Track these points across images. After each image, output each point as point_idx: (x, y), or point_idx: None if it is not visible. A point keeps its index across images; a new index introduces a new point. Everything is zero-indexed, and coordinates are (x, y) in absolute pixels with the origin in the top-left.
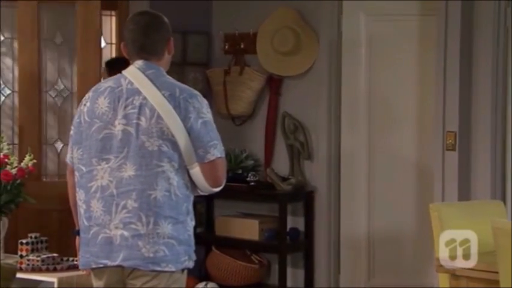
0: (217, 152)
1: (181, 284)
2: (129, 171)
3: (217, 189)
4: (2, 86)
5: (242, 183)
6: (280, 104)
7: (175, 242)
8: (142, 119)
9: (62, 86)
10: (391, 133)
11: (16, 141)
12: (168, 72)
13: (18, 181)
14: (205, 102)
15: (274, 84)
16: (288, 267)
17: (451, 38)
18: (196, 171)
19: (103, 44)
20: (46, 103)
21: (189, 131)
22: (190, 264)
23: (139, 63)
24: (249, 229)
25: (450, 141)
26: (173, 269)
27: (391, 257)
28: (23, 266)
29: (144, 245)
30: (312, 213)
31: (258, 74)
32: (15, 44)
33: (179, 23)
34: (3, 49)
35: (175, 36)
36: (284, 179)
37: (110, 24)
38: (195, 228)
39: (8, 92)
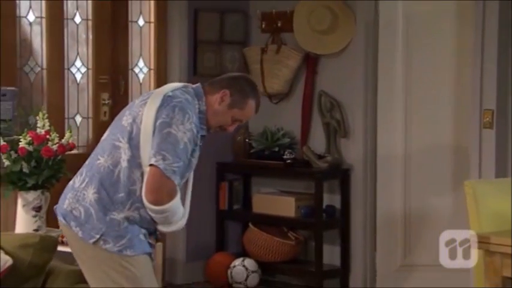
0: (161, 162)
1: (91, 257)
2: (105, 135)
3: (148, 205)
4: (34, 63)
5: (278, 161)
6: (317, 83)
7: (94, 213)
8: (140, 99)
9: (80, 64)
10: (427, 112)
11: None
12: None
13: (60, 157)
14: (190, 126)
15: (310, 62)
16: (324, 244)
17: (489, 16)
18: (145, 174)
19: (142, 22)
20: (68, 79)
21: (155, 130)
22: (105, 245)
23: (196, 84)
24: (285, 206)
25: (487, 119)
26: (79, 235)
27: (427, 235)
28: (64, 239)
29: (70, 197)
30: (348, 191)
31: (295, 53)
32: (44, 23)
33: (217, 2)
34: (34, 27)
35: (213, 15)
36: (320, 157)
37: (148, 2)
38: (231, 204)
39: (38, 69)
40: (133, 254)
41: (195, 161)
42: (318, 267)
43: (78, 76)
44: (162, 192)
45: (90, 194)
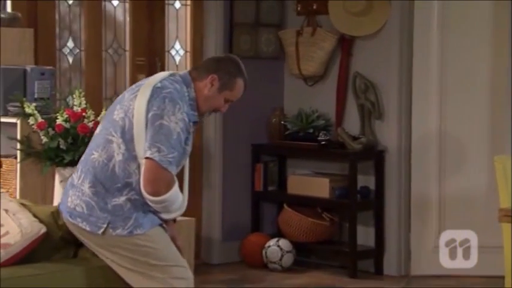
0: (156, 154)
1: (106, 247)
2: (98, 130)
3: (147, 196)
4: (72, 45)
5: (313, 142)
6: (352, 64)
7: (95, 205)
8: (129, 92)
9: (117, 45)
10: (463, 93)
11: None
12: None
13: None
14: (181, 115)
15: (345, 44)
16: (359, 225)
17: None
18: (142, 166)
19: (178, 5)
20: (106, 61)
21: (148, 123)
22: (115, 232)
23: (184, 71)
24: (319, 187)
25: None
26: (87, 228)
27: (462, 216)
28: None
29: (71, 195)
30: (383, 172)
31: (330, 35)
32: (82, 6)
33: None
34: (73, 10)
35: None
36: (354, 138)
37: None
38: (266, 186)
39: (77, 50)
40: (144, 231)
41: (189, 149)
42: (352, 248)
43: (116, 58)
44: (160, 184)
45: (87, 189)
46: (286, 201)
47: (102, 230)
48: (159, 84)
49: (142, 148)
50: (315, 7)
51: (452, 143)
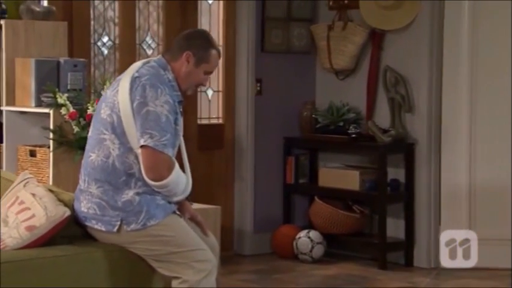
0: (150, 141)
1: (124, 243)
2: (90, 133)
3: (152, 182)
4: (107, 39)
5: (343, 135)
6: (382, 58)
7: (106, 204)
8: (110, 89)
9: (151, 40)
10: (493, 86)
11: None
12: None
13: None
14: (165, 98)
15: (376, 38)
16: (389, 217)
17: None
18: (139, 155)
19: (211, 0)
20: (139, 54)
21: (134, 113)
22: (129, 227)
23: (157, 56)
24: (350, 180)
25: None
26: (103, 229)
27: (492, 208)
28: None
29: (82, 200)
30: (413, 165)
31: (361, 29)
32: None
33: None
34: (107, 5)
35: None
36: (385, 131)
37: None
38: (297, 178)
39: (111, 43)
40: (158, 221)
41: (180, 129)
42: (382, 240)
43: (149, 52)
44: (160, 167)
45: (95, 190)
46: (317, 193)
47: (116, 228)
48: (136, 74)
49: (136, 138)
50: (346, 2)
51: (482, 135)
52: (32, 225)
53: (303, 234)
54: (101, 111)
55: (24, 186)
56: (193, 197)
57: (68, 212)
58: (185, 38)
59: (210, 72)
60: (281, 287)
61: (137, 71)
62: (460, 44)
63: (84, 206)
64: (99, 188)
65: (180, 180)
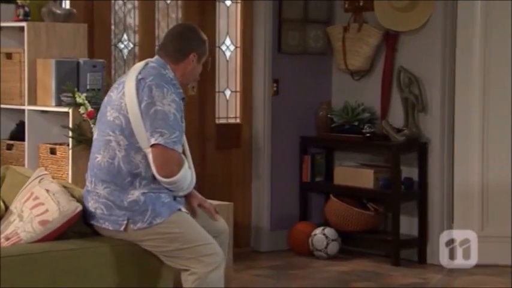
0: (161, 139)
1: (132, 242)
2: (95, 135)
3: (163, 179)
4: (127, 41)
5: (358, 135)
6: (396, 59)
7: (113, 204)
8: (115, 92)
9: None
10: (505, 85)
11: None
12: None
13: None
14: (171, 97)
15: (390, 40)
16: (403, 215)
17: None
18: (149, 154)
19: (229, 2)
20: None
21: (143, 114)
22: (135, 226)
23: (154, 57)
24: (364, 178)
25: None
26: (110, 228)
27: (505, 207)
28: None
29: (90, 200)
30: (426, 164)
31: (375, 30)
32: (137, 3)
33: None
34: (128, 7)
35: None
36: (398, 131)
37: None
38: (313, 177)
39: (131, 45)
40: (163, 219)
41: (184, 126)
42: (395, 237)
43: None
44: (172, 164)
45: (101, 190)
46: (332, 191)
47: (123, 227)
48: (140, 76)
49: (145, 138)
50: (361, 4)
51: (494, 134)
52: (46, 219)
53: (318, 231)
54: (106, 114)
55: (39, 182)
56: (211, 195)
57: (79, 207)
58: (183, 39)
59: (206, 61)
60: (296, 282)
61: (140, 73)
62: (472, 45)
63: (92, 206)
64: (105, 189)
65: (188, 175)
